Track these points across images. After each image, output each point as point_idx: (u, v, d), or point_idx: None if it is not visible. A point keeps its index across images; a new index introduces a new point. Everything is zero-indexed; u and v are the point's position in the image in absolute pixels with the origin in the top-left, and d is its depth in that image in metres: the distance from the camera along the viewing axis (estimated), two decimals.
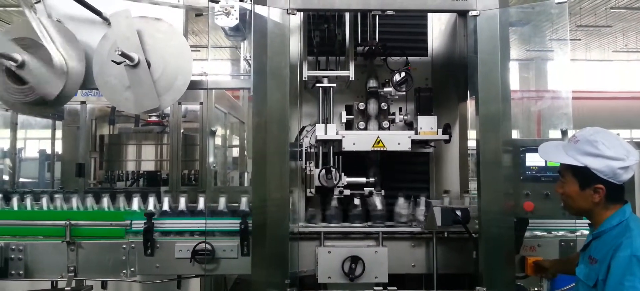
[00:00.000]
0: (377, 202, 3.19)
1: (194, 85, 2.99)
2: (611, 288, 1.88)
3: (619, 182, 2.01)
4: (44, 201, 3.24)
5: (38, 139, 11.43)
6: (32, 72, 2.80)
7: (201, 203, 3.17)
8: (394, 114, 3.28)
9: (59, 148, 6.85)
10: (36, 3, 2.88)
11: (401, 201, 3.18)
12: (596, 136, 2.03)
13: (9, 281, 3.01)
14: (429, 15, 3.55)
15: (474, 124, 2.92)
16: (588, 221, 2.16)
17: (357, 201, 3.21)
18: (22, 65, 2.80)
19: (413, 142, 3.10)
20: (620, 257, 1.88)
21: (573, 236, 3.02)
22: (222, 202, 3.19)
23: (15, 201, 3.25)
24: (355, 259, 2.91)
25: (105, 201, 3.22)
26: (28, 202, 3.22)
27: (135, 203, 3.18)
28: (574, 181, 2.07)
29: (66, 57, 2.85)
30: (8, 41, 2.81)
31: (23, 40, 2.82)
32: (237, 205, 3.21)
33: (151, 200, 3.21)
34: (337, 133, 3.11)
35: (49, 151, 7.47)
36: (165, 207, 3.19)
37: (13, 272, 2.94)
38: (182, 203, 3.18)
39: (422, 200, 3.17)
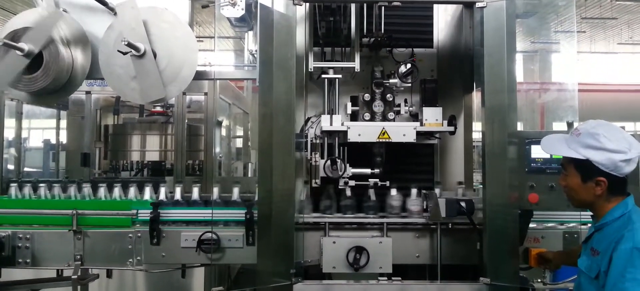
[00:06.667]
0: (382, 193, 3.20)
1: (199, 76, 2.99)
2: (612, 279, 1.89)
3: (621, 175, 2.01)
4: (42, 190, 3.26)
5: (42, 129, 11.46)
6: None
7: (214, 193, 3.19)
8: (399, 105, 3.28)
9: (63, 138, 6.88)
10: None
11: (407, 192, 3.19)
12: (598, 129, 2.03)
13: (15, 269, 3.04)
14: (435, 6, 3.54)
15: (479, 116, 2.93)
16: (591, 213, 2.17)
17: (361, 192, 3.22)
18: (28, 54, 2.80)
19: (418, 133, 3.10)
20: (621, 249, 1.89)
21: (577, 228, 3.03)
22: (216, 192, 3.21)
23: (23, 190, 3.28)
24: (359, 249, 2.93)
25: (116, 190, 3.26)
26: (26, 190, 3.25)
27: (147, 193, 3.22)
28: (576, 174, 2.07)
29: (72, 48, 2.85)
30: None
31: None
32: (248, 195, 3.24)
33: (147, 190, 3.25)
34: (342, 124, 3.12)
35: (53, 141, 7.49)
36: (178, 196, 3.22)
37: (20, 260, 2.96)
38: (178, 192, 3.21)
39: (413, 191, 3.17)
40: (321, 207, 3.22)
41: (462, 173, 3.49)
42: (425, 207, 3.15)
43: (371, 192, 3.22)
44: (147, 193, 3.23)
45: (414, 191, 3.19)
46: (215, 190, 3.19)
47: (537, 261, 2.78)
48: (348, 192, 3.21)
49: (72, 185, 3.36)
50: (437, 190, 3.18)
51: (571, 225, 3.08)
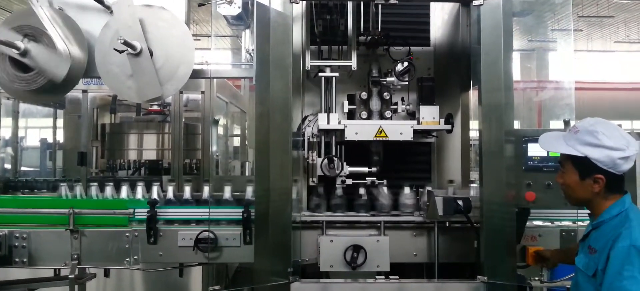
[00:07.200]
0: (379, 191, 3.20)
1: (196, 74, 2.99)
2: (610, 278, 1.89)
3: (619, 172, 2.01)
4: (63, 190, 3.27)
5: (39, 128, 11.43)
6: (35, 58, 2.79)
7: (205, 192, 3.20)
8: (396, 104, 3.28)
9: (60, 137, 6.87)
10: None
11: (404, 190, 3.19)
12: (596, 126, 2.03)
13: (12, 269, 3.03)
14: (432, 4, 3.54)
15: (476, 114, 2.93)
16: (588, 211, 2.17)
17: (359, 190, 3.21)
18: (24, 53, 2.79)
19: (415, 131, 3.11)
20: (619, 247, 1.89)
21: (574, 226, 3.04)
22: (206, 191, 3.22)
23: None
24: (357, 248, 2.93)
25: (108, 190, 3.26)
26: (78, 190, 3.28)
27: (139, 192, 3.22)
28: (574, 171, 2.07)
29: (69, 45, 2.84)
30: (9, 30, 2.80)
31: (24, 28, 2.81)
32: (239, 193, 3.24)
33: (139, 189, 3.26)
34: (339, 122, 3.12)
35: (50, 140, 7.48)
36: (170, 195, 3.22)
37: (17, 260, 2.95)
38: (170, 191, 3.21)
39: (406, 189, 3.18)
40: (318, 205, 3.22)
41: (459, 172, 3.49)
42: (419, 205, 3.15)
43: (368, 190, 3.22)
44: (139, 192, 3.22)
45: (408, 190, 3.19)
46: (206, 189, 3.19)
47: (535, 260, 2.78)
48: (345, 191, 3.20)
49: (63, 184, 3.34)
50: (429, 188, 3.18)
51: (566, 223, 3.08)
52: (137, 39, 2.78)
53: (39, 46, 2.77)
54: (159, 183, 3.30)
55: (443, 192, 3.16)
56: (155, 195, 3.20)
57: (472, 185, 3.30)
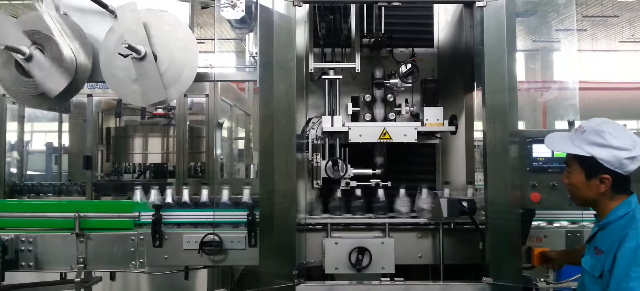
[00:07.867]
0: (383, 193, 3.20)
1: (200, 78, 3.00)
2: (617, 278, 1.88)
3: (625, 173, 2.01)
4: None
5: (45, 132, 11.49)
6: (39, 65, 2.81)
7: (203, 195, 3.20)
8: (400, 106, 3.28)
9: (65, 141, 6.90)
10: None
11: (408, 192, 3.19)
12: (603, 126, 2.03)
13: (18, 273, 3.04)
14: (435, 6, 3.54)
15: (480, 115, 2.93)
16: (594, 212, 2.17)
17: (363, 192, 3.21)
18: (29, 58, 2.81)
19: (419, 133, 3.10)
20: (626, 248, 1.88)
21: (579, 227, 3.03)
22: (225, 195, 3.22)
23: None
24: (362, 250, 2.92)
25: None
26: (154, 194, 3.22)
27: (138, 195, 3.23)
28: (580, 171, 2.07)
29: (74, 51, 2.86)
30: (19, 32, 2.81)
31: (34, 35, 2.83)
32: (241, 196, 3.24)
33: (138, 193, 3.24)
34: (343, 125, 3.12)
35: (56, 144, 7.52)
36: (169, 199, 3.22)
37: (23, 264, 2.96)
38: (186, 195, 3.21)
39: (424, 191, 3.17)
40: (323, 207, 3.22)
41: (464, 173, 3.48)
42: (423, 207, 3.14)
43: (372, 192, 3.22)
44: (138, 196, 3.23)
45: (412, 191, 3.18)
46: (204, 192, 3.19)
47: (540, 261, 2.77)
48: (349, 193, 3.20)
49: (138, 188, 3.30)
50: (426, 189, 3.18)
51: (566, 223, 3.06)
52: (141, 43, 2.79)
53: (42, 57, 2.79)
54: (157, 187, 3.30)
55: (454, 193, 3.15)
56: (153, 198, 3.20)
57: (469, 186, 3.29)
